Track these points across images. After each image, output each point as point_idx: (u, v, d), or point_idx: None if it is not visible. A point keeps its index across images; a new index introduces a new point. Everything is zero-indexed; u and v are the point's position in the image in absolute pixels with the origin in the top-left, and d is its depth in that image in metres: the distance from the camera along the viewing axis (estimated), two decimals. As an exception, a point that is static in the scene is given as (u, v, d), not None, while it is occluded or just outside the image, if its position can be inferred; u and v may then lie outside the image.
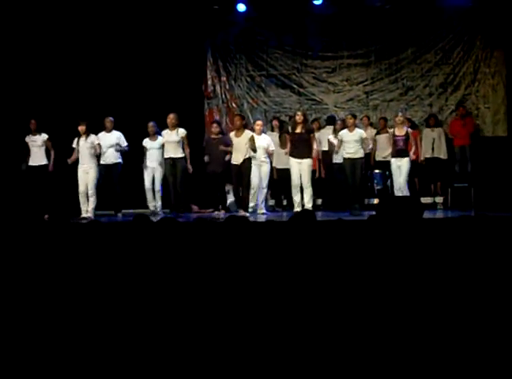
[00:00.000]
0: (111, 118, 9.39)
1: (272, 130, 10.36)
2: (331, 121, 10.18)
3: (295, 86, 11.74)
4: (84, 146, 8.92)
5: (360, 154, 9.02)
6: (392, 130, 9.24)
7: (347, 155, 9.04)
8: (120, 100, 10.60)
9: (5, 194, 9.50)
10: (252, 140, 8.86)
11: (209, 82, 11.99)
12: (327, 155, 9.87)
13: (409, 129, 9.36)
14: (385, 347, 2.87)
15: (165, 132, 9.22)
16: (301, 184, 8.77)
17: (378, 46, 11.39)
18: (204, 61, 11.93)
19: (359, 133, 9.07)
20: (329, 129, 9.95)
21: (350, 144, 9.00)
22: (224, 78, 11.97)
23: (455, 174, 10.48)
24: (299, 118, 8.74)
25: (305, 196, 8.75)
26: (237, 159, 8.92)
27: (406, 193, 8.94)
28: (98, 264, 4.34)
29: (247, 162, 8.91)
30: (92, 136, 8.99)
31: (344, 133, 9.10)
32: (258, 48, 11.83)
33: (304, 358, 2.81)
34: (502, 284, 3.54)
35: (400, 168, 9.00)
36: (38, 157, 9.30)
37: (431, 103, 11.21)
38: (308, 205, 8.64)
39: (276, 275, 3.81)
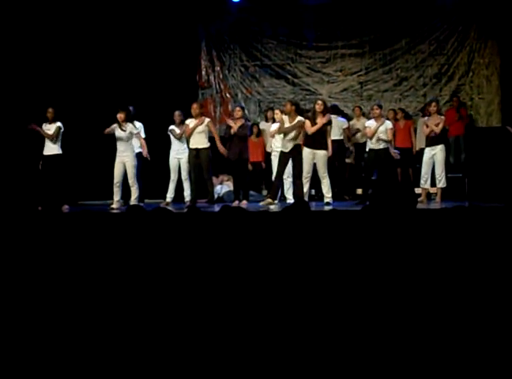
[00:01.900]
0: (130, 108, 8.88)
1: (267, 121, 10.30)
2: (335, 110, 10.05)
3: (289, 76, 11.73)
4: (121, 135, 8.41)
5: (384, 144, 8.73)
6: (425, 118, 8.96)
7: (371, 146, 8.81)
8: (115, 91, 10.55)
9: (16, 184, 9.29)
10: (301, 126, 8.22)
11: (203, 72, 11.98)
12: (338, 143, 9.74)
13: (442, 117, 8.92)
14: (379, 336, 2.88)
15: (190, 121, 8.59)
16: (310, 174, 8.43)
17: (373, 37, 11.38)
18: (198, 51, 11.91)
19: (385, 123, 8.81)
20: (335, 118, 9.71)
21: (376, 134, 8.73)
22: (217, 68, 11.94)
23: (449, 165, 10.48)
24: (318, 106, 8.36)
25: (323, 187, 8.46)
26: (286, 146, 8.23)
27: (443, 182, 8.72)
28: (92, 253, 4.34)
29: (298, 149, 8.24)
30: (130, 125, 8.46)
31: (370, 123, 8.88)
32: (252, 38, 11.81)
33: (298, 346, 2.82)
34: (494, 274, 3.55)
35: (435, 157, 8.71)
36: (51, 146, 8.75)
37: (425, 93, 11.22)
38: (328, 195, 8.38)
39: (271, 265, 3.82)
